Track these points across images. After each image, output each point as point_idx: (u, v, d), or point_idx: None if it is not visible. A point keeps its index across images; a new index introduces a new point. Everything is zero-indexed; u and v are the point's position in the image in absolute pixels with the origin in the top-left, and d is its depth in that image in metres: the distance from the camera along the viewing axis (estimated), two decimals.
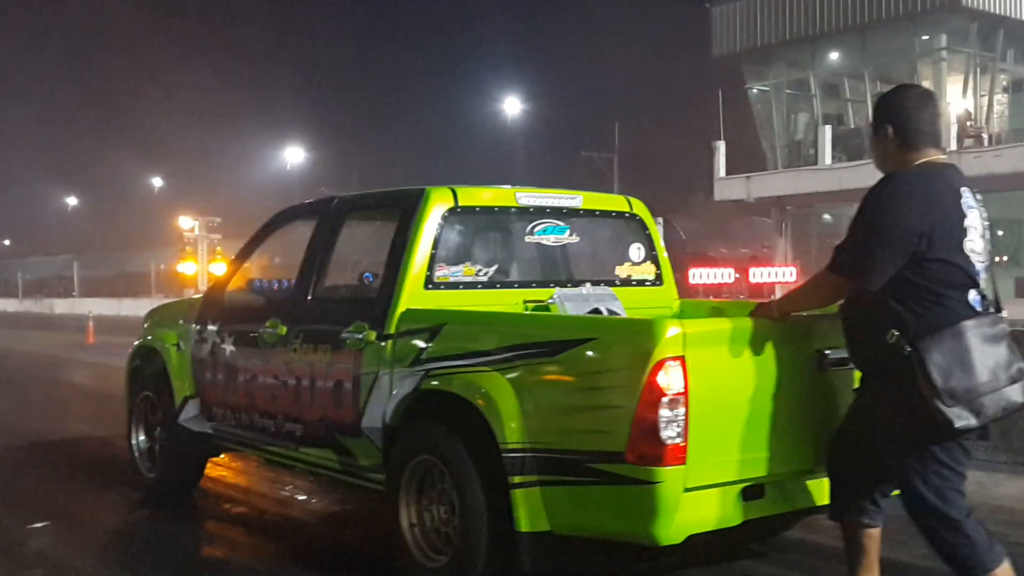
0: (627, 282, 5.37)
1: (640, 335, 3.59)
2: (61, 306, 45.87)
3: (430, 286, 4.60)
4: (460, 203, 4.74)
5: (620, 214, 5.41)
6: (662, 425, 3.45)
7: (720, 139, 30.19)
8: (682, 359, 3.48)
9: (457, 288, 4.71)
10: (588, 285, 5.11)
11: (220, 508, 6.17)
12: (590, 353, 3.72)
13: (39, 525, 5.57)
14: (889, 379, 3.38)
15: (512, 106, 46.01)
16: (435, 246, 4.63)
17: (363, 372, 4.61)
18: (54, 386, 13.50)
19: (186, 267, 30.11)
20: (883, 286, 3.38)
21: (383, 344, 4.52)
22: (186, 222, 31.09)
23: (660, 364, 3.45)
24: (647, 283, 5.45)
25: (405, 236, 4.64)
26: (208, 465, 6.40)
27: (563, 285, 5.05)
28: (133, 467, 6.40)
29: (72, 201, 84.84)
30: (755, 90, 32.80)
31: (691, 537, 3.64)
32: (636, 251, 5.41)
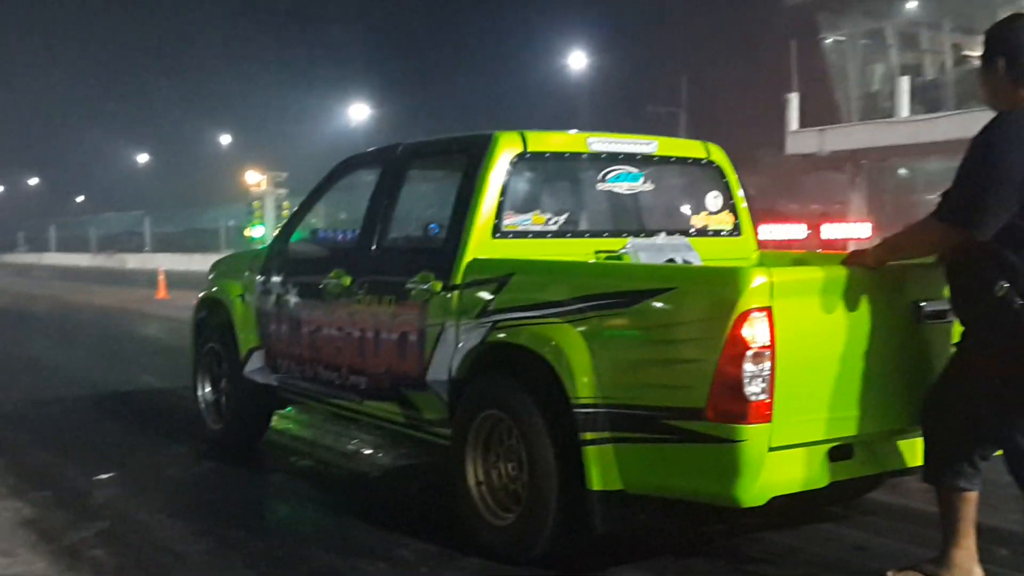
0: (703, 232, 5.13)
1: (723, 284, 3.38)
2: (133, 261, 46.71)
3: (498, 235, 4.43)
4: (529, 148, 4.55)
5: (696, 161, 5.17)
6: (746, 380, 3.25)
7: (793, 91, 29.40)
8: (768, 310, 3.26)
9: (526, 237, 4.53)
10: (663, 235, 4.90)
11: (286, 461, 6.13)
12: (669, 304, 3.52)
13: (105, 476, 5.57)
14: (997, 333, 3.15)
15: (577, 60, 45.37)
16: (503, 193, 4.45)
17: (428, 324, 4.47)
18: (125, 339, 13.69)
19: (256, 230, 30.32)
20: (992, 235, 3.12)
21: (449, 295, 4.37)
22: (253, 177, 31.31)
23: (745, 315, 3.24)
24: (724, 233, 5.21)
25: (472, 183, 4.47)
26: (274, 418, 6.36)
27: (636, 235, 4.83)
28: (200, 419, 6.40)
29: (143, 158, 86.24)
30: (829, 40, 31.82)
31: (773, 499, 3.45)
32: (713, 200, 5.17)
